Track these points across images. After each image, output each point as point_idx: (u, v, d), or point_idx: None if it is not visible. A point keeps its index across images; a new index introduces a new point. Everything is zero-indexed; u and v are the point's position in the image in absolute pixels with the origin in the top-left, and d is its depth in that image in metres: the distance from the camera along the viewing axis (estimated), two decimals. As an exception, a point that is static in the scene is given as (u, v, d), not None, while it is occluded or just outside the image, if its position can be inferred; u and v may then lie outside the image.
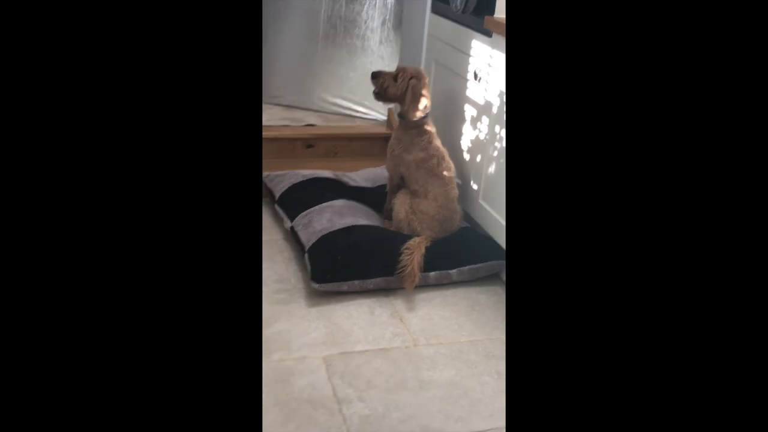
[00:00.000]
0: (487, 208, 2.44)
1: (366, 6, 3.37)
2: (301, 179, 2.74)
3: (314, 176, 2.77)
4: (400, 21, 3.32)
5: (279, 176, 2.82)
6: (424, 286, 2.30)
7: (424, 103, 2.39)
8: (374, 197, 2.69)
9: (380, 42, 3.40)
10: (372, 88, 2.49)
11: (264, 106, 3.44)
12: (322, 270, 2.20)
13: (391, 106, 3.30)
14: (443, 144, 2.49)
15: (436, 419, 1.71)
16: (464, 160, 2.61)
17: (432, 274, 2.29)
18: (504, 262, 2.38)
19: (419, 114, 2.39)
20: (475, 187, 2.53)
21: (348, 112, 3.46)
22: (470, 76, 2.52)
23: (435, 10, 2.85)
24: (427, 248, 2.29)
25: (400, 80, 2.39)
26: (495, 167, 2.39)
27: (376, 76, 2.45)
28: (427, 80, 2.44)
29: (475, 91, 2.51)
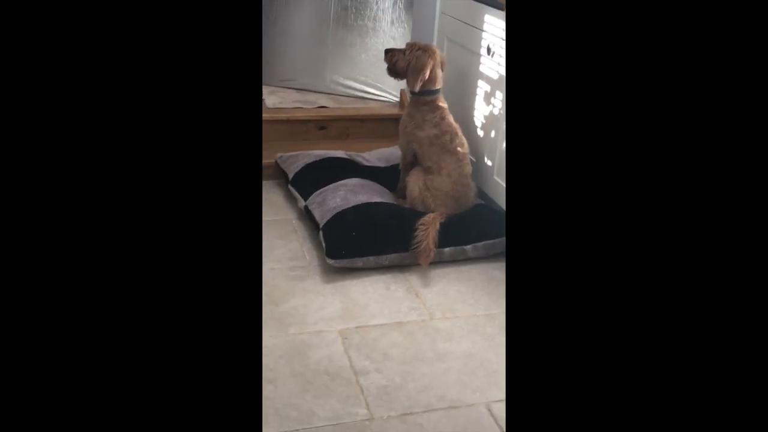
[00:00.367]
0: (502, 183, 2.42)
1: (377, -13, 3.35)
2: (314, 159, 2.74)
3: (327, 156, 2.76)
4: (412, 1, 3.29)
5: (292, 157, 2.81)
6: (439, 262, 2.29)
7: (426, 74, 2.37)
8: (387, 176, 2.68)
9: (392, 23, 3.38)
10: (384, 68, 2.51)
11: (276, 90, 3.43)
12: (337, 246, 2.19)
13: (403, 87, 3.29)
14: (456, 120, 2.48)
15: (453, 389, 1.71)
16: (478, 136, 2.60)
17: (447, 250, 2.28)
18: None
19: (419, 86, 2.38)
20: (489, 163, 2.52)
21: (360, 93, 3.45)
22: (483, 51, 2.50)
23: (446, -12, 2.83)
24: (441, 224, 2.28)
25: (408, 53, 2.40)
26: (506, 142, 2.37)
27: (388, 52, 2.46)
28: (437, 54, 2.43)
29: (488, 66, 2.49)
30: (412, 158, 2.52)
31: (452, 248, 2.29)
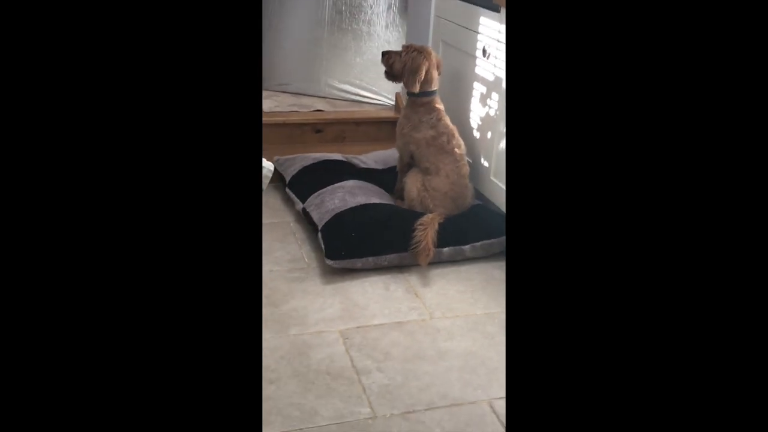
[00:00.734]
0: (499, 184, 2.44)
1: (371, -9, 3.37)
2: (312, 162, 2.74)
3: (324, 159, 2.77)
4: (406, 5, 3.31)
5: (289, 160, 2.82)
6: (438, 262, 2.30)
7: (422, 75, 2.39)
8: (385, 178, 2.69)
9: (386, 26, 3.39)
10: (381, 72, 2.54)
11: (272, 94, 3.44)
12: (336, 247, 2.20)
13: (399, 90, 3.31)
14: (452, 122, 2.49)
15: (455, 387, 1.71)
16: (474, 138, 2.61)
17: (446, 250, 2.29)
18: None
19: (417, 87, 2.40)
20: (486, 164, 2.53)
21: (355, 97, 3.46)
22: (479, 53, 2.52)
23: (441, -10, 2.85)
24: (440, 225, 2.29)
25: (404, 55, 2.42)
26: (506, 143, 2.38)
27: (384, 54, 2.49)
28: (433, 56, 2.45)
29: (483, 68, 2.50)
30: (409, 160, 2.53)
31: (451, 248, 2.30)
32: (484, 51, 2.48)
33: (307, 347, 1.84)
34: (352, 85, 3.46)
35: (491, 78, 2.45)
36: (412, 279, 2.22)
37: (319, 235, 2.29)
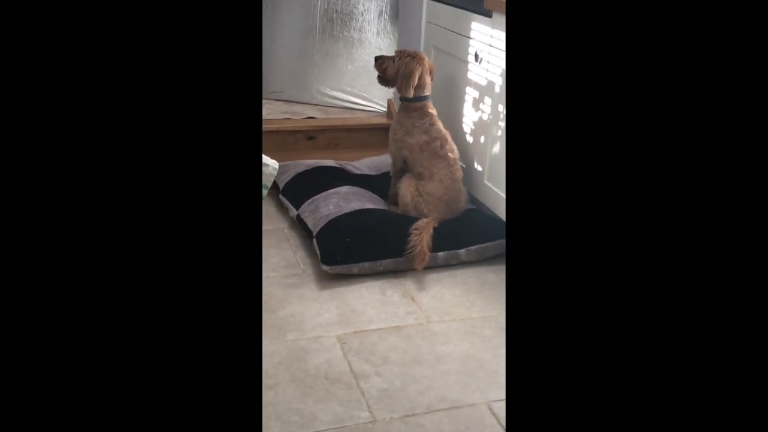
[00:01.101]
0: (493, 188, 2.45)
1: (362, -2, 3.38)
2: (305, 169, 2.74)
3: (318, 165, 2.77)
4: (397, 12, 3.33)
5: (282, 167, 2.81)
6: (434, 266, 2.30)
7: (415, 80, 2.40)
8: (378, 184, 2.70)
9: (378, 33, 3.41)
10: (373, 78, 2.54)
11: (264, 102, 3.44)
12: (332, 253, 2.20)
13: (391, 96, 3.32)
14: (445, 127, 2.50)
15: (453, 390, 1.71)
16: (467, 142, 2.62)
17: (441, 254, 2.29)
18: (512, 240, 2.38)
19: (411, 91, 2.41)
20: (479, 168, 2.54)
21: (347, 104, 3.47)
22: (471, 58, 2.53)
23: (432, -3, 2.86)
24: (435, 229, 2.29)
25: (397, 60, 2.43)
26: (499, 147, 2.39)
27: (378, 59, 2.50)
28: (426, 61, 2.46)
29: (476, 72, 2.52)
30: (402, 165, 2.54)
31: (446, 252, 2.30)
32: (476, 56, 2.49)
33: (304, 353, 1.83)
34: (344, 92, 3.47)
35: (483, 83, 2.46)
36: (408, 283, 2.22)
37: (314, 241, 2.29)
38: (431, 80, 2.50)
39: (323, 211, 2.39)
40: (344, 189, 2.54)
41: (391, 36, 3.40)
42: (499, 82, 2.34)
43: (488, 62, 2.41)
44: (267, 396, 1.65)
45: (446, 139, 2.45)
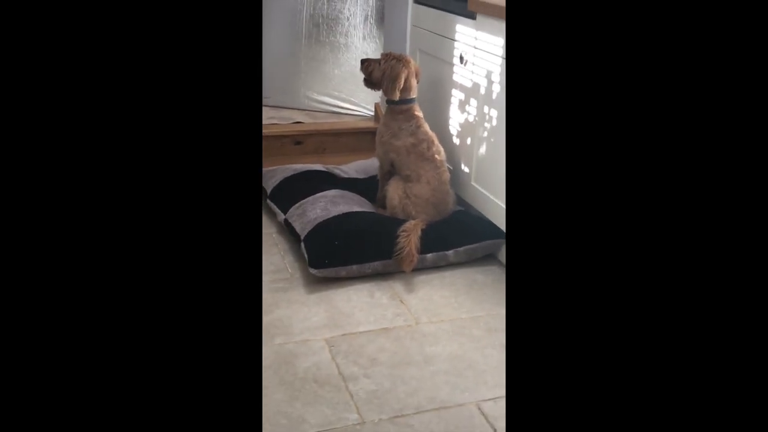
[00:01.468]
0: (481, 189, 2.45)
1: (347, 3, 3.39)
2: (292, 173, 2.74)
3: (305, 170, 2.77)
4: (383, 16, 3.34)
5: (270, 172, 2.81)
6: (422, 268, 2.30)
7: (401, 83, 2.41)
8: (366, 187, 2.69)
9: (364, 38, 3.41)
10: (360, 83, 2.55)
11: (250, 107, 3.44)
12: (320, 256, 2.19)
13: (378, 100, 3.32)
14: (432, 129, 2.50)
15: (442, 390, 1.71)
16: (454, 144, 2.62)
17: (429, 256, 2.29)
18: (500, 241, 2.38)
19: (397, 94, 2.41)
20: (466, 169, 2.55)
21: (335, 109, 3.47)
22: (456, 60, 2.54)
23: (417, 0, 2.87)
24: (422, 231, 2.29)
25: (383, 63, 2.44)
26: (486, 148, 2.40)
27: (364, 62, 2.50)
28: (412, 64, 2.46)
29: (461, 74, 2.52)
30: (389, 167, 2.54)
31: (434, 254, 2.30)
32: (461, 58, 2.50)
33: (292, 356, 1.83)
34: (331, 96, 3.47)
35: (469, 84, 2.47)
36: (397, 286, 2.22)
37: (302, 244, 2.28)
38: (417, 83, 2.50)
39: (311, 214, 2.38)
40: (332, 192, 2.54)
41: (377, 40, 3.40)
42: (484, 83, 2.35)
43: (473, 64, 2.41)
44: (255, 400, 1.64)
45: (433, 141, 2.46)
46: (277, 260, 2.36)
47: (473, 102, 2.45)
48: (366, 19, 3.40)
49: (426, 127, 2.48)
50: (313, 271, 2.18)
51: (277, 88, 3.50)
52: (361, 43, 3.42)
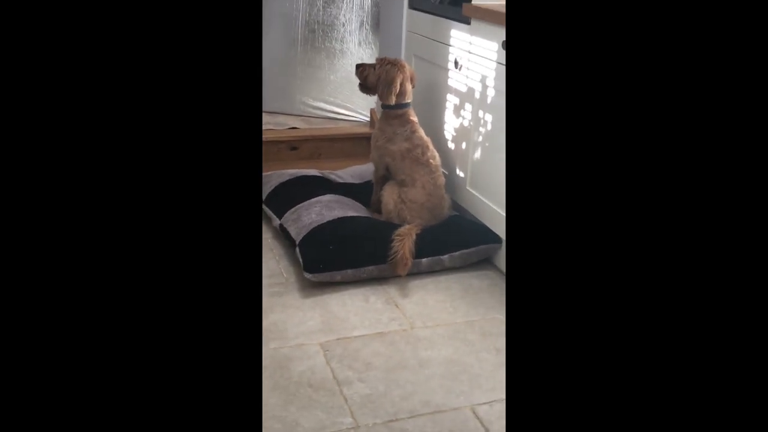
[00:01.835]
0: (476, 194, 2.45)
1: (343, 9, 3.40)
2: (288, 178, 2.74)
3: (301, 175, 2.77)
4: (378, 22, 3.35)
5: (265, 177, 2.81)
6: (417, 273, 2.30)
7: (396, 87, 2.41)
8: (362, 193, 2.70)
9: (359, 44, 3.43)
10: (355, 88, 2.55)
11: (246, 113, 3.45)
12: (315, 261, 2.19)
13: (373, 106, 3.33)
14: (427, 134, 2.51)
15: (437, 394, 1.71)
16: (449, 149, 2.63)
17: (424, 260, 2.29)
18: (496, 245, 2.38)
19: (393, 99, 2.42)
20: (461, 174, 2.55)
21: (330, 114, 3.48)
22: (451, 65, 2.55)
23: (412, 6, 2.88)
24: (417, 235, 2.29)
25: (378, 68, 2.44)
26: (481, 152, 2.40)
27: (359, 67, 2.51)
28: (407, 69, 2.47)
29: (456, 79, 2.53)
30: (384, 172, 2.54)
31: (429, 259, 2.30)
32: (456, 63, 2.51)
33: (287, 360, 1.82)
34: (326, 102, 3.48)
35: (464, 89, 2.47)
36: (392, 290, 2.22)
37: (297, 249, 2.28)
38: (412, 87, 2.51)
39: (306, 219, 2.38)
40: (327, 197, 2.54)
41: (373, 46, 3.41)
42: (479, 88, 2.36)
43: (468, 69, 2.42)
44: (249, 404, 1.63)
45: (428, 146, 2.46)
46: (272, 265, 2.36)
47: (468, 107, 2.46)
48: (361, 24, 3.41)
49: (421, 131, 2.48)
50: (308, 275, 2.17)
51: (273, 94, 3.51)
52: (357, 48, 3.43)
